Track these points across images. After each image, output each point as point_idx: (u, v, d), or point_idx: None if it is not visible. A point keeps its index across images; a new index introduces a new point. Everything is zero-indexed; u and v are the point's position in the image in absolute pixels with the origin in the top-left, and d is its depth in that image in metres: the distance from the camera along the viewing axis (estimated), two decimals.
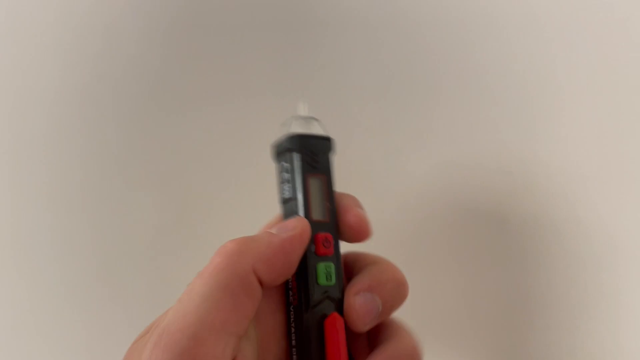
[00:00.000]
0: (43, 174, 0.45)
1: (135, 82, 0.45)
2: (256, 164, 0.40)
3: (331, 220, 0.28)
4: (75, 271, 0.43)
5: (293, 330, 0.27)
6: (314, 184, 0.29)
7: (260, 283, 0.26)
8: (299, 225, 0.27)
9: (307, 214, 0.28)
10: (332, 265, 0.28)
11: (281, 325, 0.28)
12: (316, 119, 0.30)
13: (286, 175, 0.29)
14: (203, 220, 0.41)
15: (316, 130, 0.30)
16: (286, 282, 0.28)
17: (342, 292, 0.28)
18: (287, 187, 0.29)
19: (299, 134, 0.29)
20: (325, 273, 0.27)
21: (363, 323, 0.27)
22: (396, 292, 0.28)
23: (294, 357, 0.27)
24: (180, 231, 0.42)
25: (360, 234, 0.29)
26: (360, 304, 0.27)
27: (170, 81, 0.44)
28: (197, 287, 0.24)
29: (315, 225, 0.28)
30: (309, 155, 0.29)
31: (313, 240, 0.28)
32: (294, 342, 0.27)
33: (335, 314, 0.27)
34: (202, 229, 0.41)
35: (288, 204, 0.29)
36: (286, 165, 0.29)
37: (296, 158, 0.29)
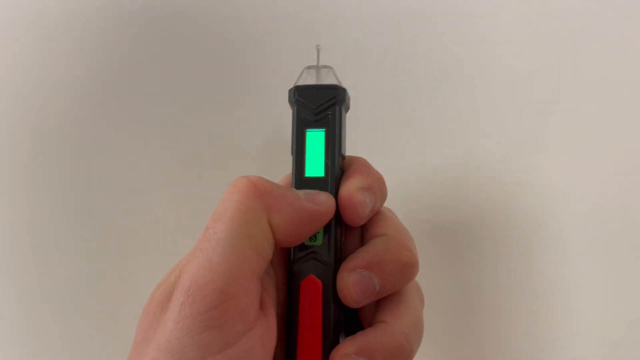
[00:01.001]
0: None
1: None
2: None
3: (328, 177, 0.27)
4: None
5: None
6: (312, 138, 0.27)
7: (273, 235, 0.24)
8: (326, 203, 0.26)
9: (299, 171, 0.27)
10: None
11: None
12: (329, 67, 0.29)
13: (292, 130, 0.28)
14: None
15: (328, 79, 0.28)
16: None
17: (336, 254, 0.26)
18: (292, 141, 0.28)
19: (298, 85, 0.28)
20: None
21: (355, 301, 0.25)
22: (399, 274, 0.26)
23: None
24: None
25: (347, 218, 0.27)
26: (354, 282, 0.25)
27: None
28: (219, 233, 0.23)
29: (307, 183, 0.27)
30: (308, 108, 0.27)
31: None
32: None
33: (312, 277, 0.26)
34: None
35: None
36: (292, 119, 0.28)
37: (294, 111, 0.28)
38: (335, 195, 0.26)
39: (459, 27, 0.40)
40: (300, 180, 0.27)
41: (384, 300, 0.26)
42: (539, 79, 0.38)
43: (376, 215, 0.28)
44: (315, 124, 0.27)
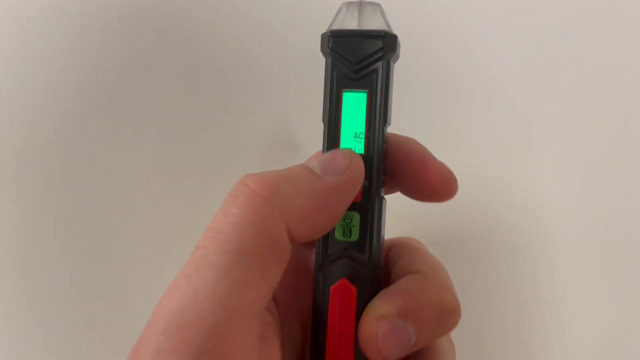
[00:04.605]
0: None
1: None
2: None
3: (370, 155, 0.21)
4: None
5: None
6: (350, 102, 0.21)
7: (291, 239, 0.19)
8: (353, 167, 0.20)
9: (331, 144, 0.21)
10: (356, 217, 0.21)
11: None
12: (375, 4, 0.21)
13: (324, 89, 0.21)
14: None
15: (374, 21, 0.21)
16: None
17: (372, 252, 0.21)
18: (324, 104, 0.21)
19: (334, 30, 0.21)
20: (342, 226, 0.21)
21: (385, 357, 0.19)
22: (438, 322, 0.20)
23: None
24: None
25: (444, 193, 0.21)
26: (384, 333, 0.19)
27: None
28: (211, 255, 0.17)
29: None
30: (346, 61, 0.21)
31: None
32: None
33: (344, 282, 0.20)
34: None
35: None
36: (325, 74, 0.21)
37: (327, 65, 0.21)
38: (377, 167, 0.21)
39: (444, 36, 0.37)
40: None
41: (418, 356, 0.21)
42: (527, 83, 0.37)
43: (404, 247, 0.22)
44: (356, 84, 0.21)
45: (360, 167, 0.20)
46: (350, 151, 0.20)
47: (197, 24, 0.39)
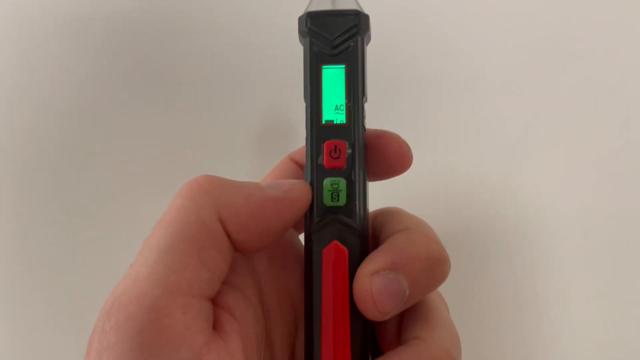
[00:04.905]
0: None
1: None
2: None
3: (351, 124, 0.22)
4: None
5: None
6: (330, 76, 0.22)
7: (230, 241, 0.20)
8: (295, 189, 0.21)
9: (315, 118, 0.22)
10: (342, 182, 0.22)
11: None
12: None
13: (304, 67, 0.23)
14: None
15: (346, 3, 0.23)
16: None
17: (360, 215, 0.22)
18: (304, 82, 0.23)
19: (310, 12, 0.23)
20: (330, 191, 0.22)
21: (382, 312, 0.20)
22: (429, 272, 0.21)
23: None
24: None
25: (399, 159, 0.23)
26: (379, 286, 0.20)
27: None
28: (153, 241, 0.19)
29: (324, 130, 0.22)
30: (323, 39, 0.22)
31: (322, 149, 0.22)
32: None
33: (336, 243, 0.21)
34: None
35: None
36: (304, 54, 0.23)
37: (306, 45, 0.23)
38: (358, 137, 0.22)
39: (444, 36, 0.38)
40: (318, 128, 0.22)
41: (410, 312, 0.21)
42: (528, 83, 0.37)
43: (387, 213, 0.23)
44: (334, 59, 0.22)
45: (301, 193, 0.21)
46: (300, 181, 0.22)
47: (191, 21, 0.40)
